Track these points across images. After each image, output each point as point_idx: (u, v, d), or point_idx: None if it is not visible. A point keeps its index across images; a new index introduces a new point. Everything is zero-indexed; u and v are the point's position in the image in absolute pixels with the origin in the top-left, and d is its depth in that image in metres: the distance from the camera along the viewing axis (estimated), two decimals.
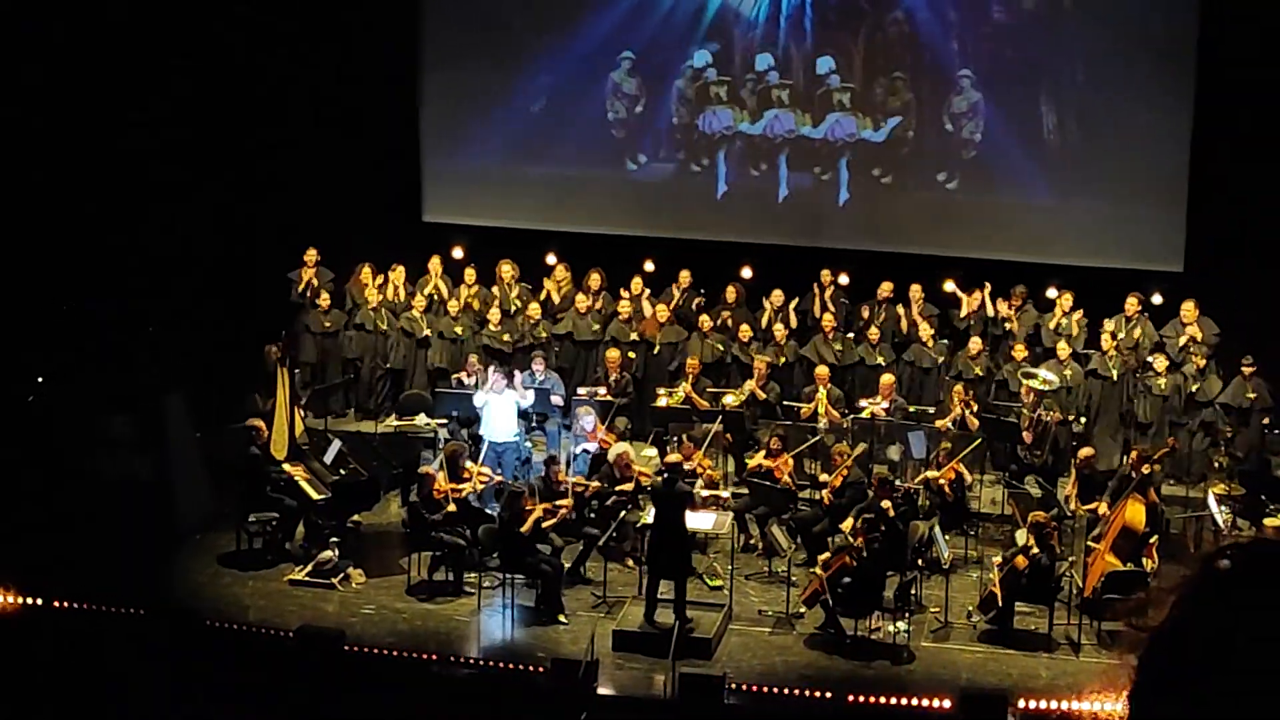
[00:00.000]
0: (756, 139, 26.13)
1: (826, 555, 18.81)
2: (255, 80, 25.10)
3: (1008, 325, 24.10)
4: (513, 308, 24.91)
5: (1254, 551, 2.24)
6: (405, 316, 24.74)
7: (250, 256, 24.77)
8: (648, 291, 24.94)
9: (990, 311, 24.23)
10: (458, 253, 25.58)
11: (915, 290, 24.40)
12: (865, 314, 24.52)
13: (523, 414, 22.27)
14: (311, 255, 25.19)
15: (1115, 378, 23.18)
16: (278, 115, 25.22)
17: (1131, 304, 23.61)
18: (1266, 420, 22.85)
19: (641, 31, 26.15)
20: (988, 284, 24.24)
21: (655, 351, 24.44)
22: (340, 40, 25.30)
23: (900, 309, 24.45)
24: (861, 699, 17.03)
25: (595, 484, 20.36)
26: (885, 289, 24.57)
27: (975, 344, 23.58)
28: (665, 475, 18.80)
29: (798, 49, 25.83)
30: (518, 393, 22.12)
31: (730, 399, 22.82)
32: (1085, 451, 21.21)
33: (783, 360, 23.94)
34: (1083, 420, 22.96)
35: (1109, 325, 23.45)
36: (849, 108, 25.80)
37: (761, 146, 26.14)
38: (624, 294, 24.87)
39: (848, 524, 19.33)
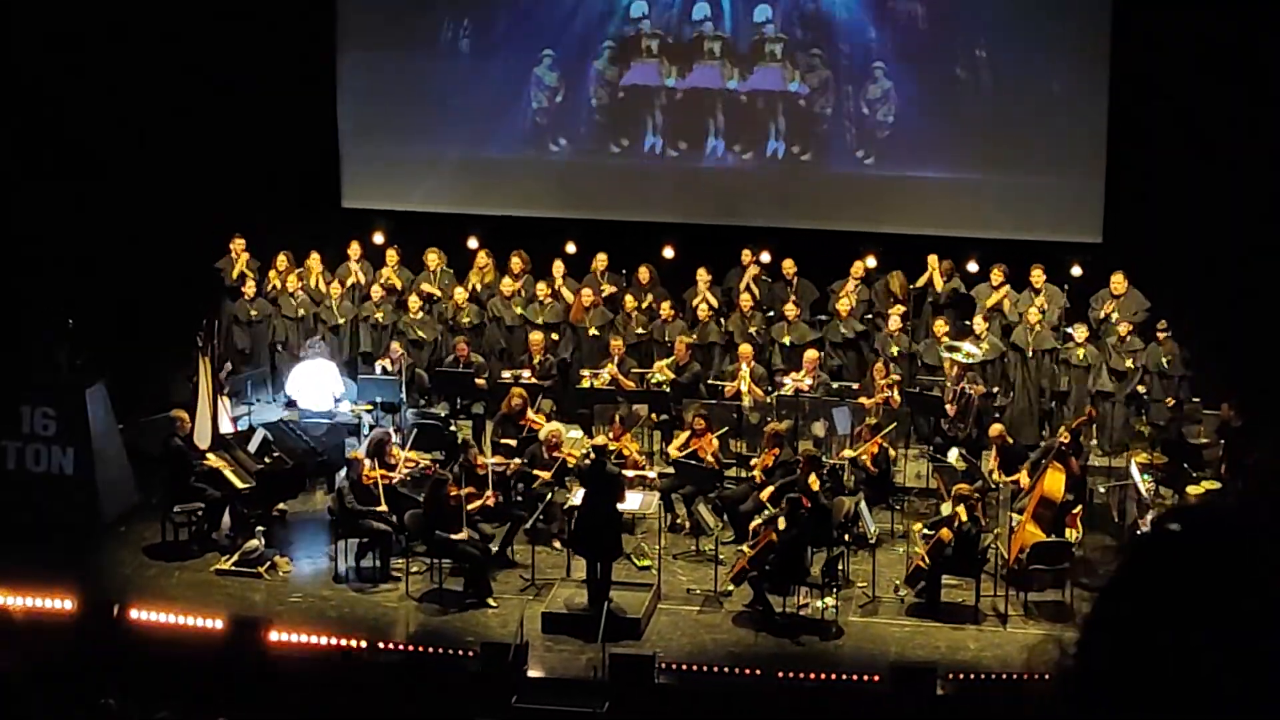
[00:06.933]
0: (682, 94, 26.06)
1: (757, 521, 18.92)
2: (171, 67, 24.85)
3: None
4: (437, 294, 24.84)
5: (1201, 515, 2.25)
6: (324, 305, 24.65)
7: (170, 245, 24.52)
8: (568, 279, 24.84)
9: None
10: (378, 238, 25.48)
11: (857, 267, 24.42)
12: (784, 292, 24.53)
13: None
14: (239, 244, 25.06)
15: (1030, 352, 23.28)
16: (194, 103, 24.98)
17: (1036, 275, 23.69)
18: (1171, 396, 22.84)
19: (559, 11, 26.10)
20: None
21: (591, 333, 24.32)
22: (255, 26, 25.06)
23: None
24: (791, 675, 17.08)
25: (515, 463, 20.32)
26: (787, 267, 24.60)
27: (894, 322, 23.64)
28: (594, 457, 18.81)
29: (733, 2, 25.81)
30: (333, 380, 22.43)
31: (658, 376, 22.83)
32: (995, 429, 21.24)
33: (711, 338, 23.95)
34: (996, 391, 22.98)
35: (1035, 300, 23.54)
36: (779, 58, 25.70)
37: (688, 103, 26.06)
38: (552, 277, 24.80)
39: (766, 492, 19.42)
